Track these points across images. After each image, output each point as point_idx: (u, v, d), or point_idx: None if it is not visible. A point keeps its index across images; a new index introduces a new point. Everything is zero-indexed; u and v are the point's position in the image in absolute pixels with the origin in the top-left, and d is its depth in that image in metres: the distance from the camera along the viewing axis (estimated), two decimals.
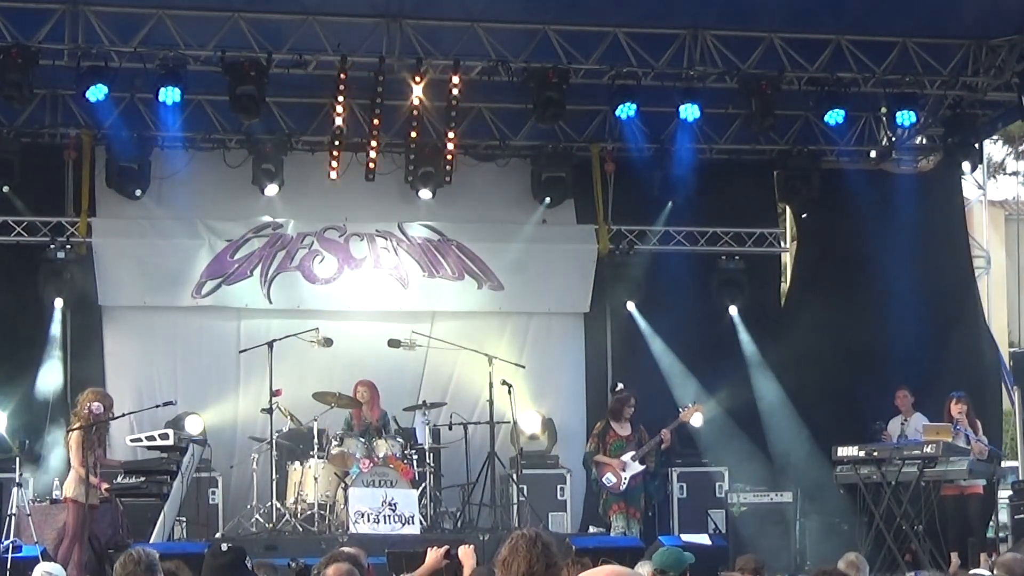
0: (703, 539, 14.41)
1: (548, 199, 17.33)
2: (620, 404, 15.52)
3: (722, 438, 17.00)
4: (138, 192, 16.46)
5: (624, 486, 15.17)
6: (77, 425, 13.16)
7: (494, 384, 15.53)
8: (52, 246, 16.12)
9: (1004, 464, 17.57)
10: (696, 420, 15.85)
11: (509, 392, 15.56)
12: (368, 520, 14.13)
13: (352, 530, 13.97)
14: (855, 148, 18.21)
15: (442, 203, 17.16)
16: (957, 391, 15.23)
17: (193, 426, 15.73)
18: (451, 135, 16.41)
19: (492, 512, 15.52)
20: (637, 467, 15.22)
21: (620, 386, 16.25)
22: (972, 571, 11.10)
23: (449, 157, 16.68)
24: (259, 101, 15.20)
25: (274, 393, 15.11)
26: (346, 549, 9.00)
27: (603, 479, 15.26)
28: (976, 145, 17.60)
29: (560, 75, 15.54)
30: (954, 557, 14.48)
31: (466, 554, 8.20)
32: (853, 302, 17.60)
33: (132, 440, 14.49)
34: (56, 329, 16.10)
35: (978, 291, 18.16)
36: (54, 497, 13.82)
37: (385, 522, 14.17)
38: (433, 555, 8.44)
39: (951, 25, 15.93)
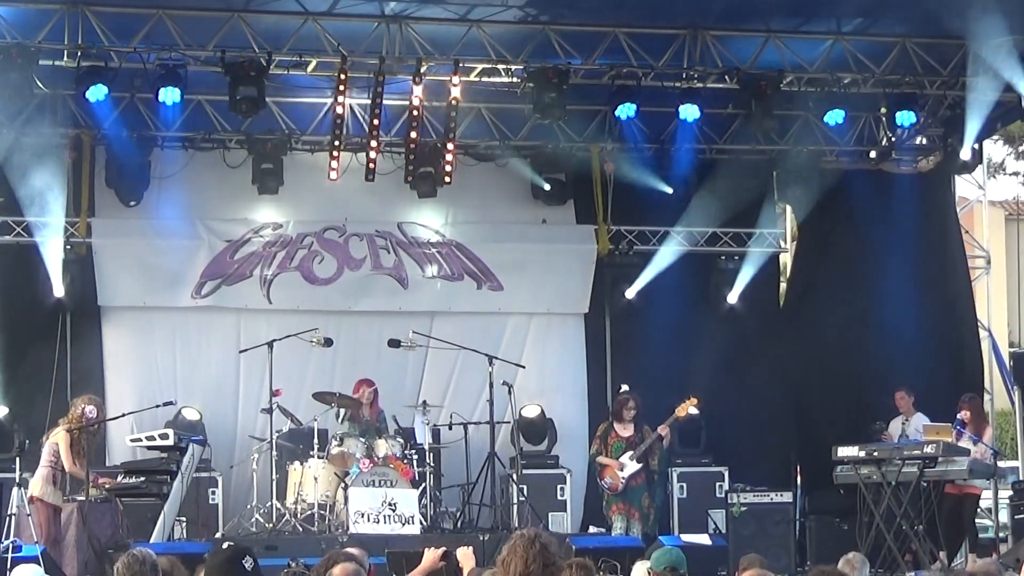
0: (703, 539, 14.43)
1: (547, 186, 17.33)
2: (619, 405, 15.60)
3: (722, 438, 17.02)
4: (132, 203, 16.47)
5: (622, 487, 15.19)
6: (65, 426, 13.22)
7: (494, 384, 15.54)
8: None
9: (1004, 464, 17.59)
10: (692, 410, 15.91)
11: (509, 392, 15.58)
12: (368, 520, 14.14)
13: (352, 530, 13.99)
14: (855, 148, 18.21)
15: (442, 203, 17.16)
16: (968, 393, 15.27)
17: (190, 415, 15.79)
18: (451, 135, 16.41)
19: (492, 512, 15.54)
20: (635, 466, 15.24)
21: (624, 387, 16.28)
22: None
23: (449, 157, 16.67)
24: (259, 101, 15.20)
25: (274, 393, 15.13)
26: (347, 549, 8.99)
27: (602, 481, 15.32)
28: (976, 145, 17.60)
29: (560, 75, 15.54)
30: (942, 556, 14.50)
31: (465, 555, 8.18)
32: (852, 302, 17.62)
33: (132, 440, 14.53)
34: (56, 329, 16.10)
35: (972, 291, 18.15)
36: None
37: (385, 522, 14.19)
38: (430, 556, 8.42)
39: (951, 26, 15.92)
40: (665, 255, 17.40)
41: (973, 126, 16.74)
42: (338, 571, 7.56)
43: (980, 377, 17.81)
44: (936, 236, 17.91)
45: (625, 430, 15.44)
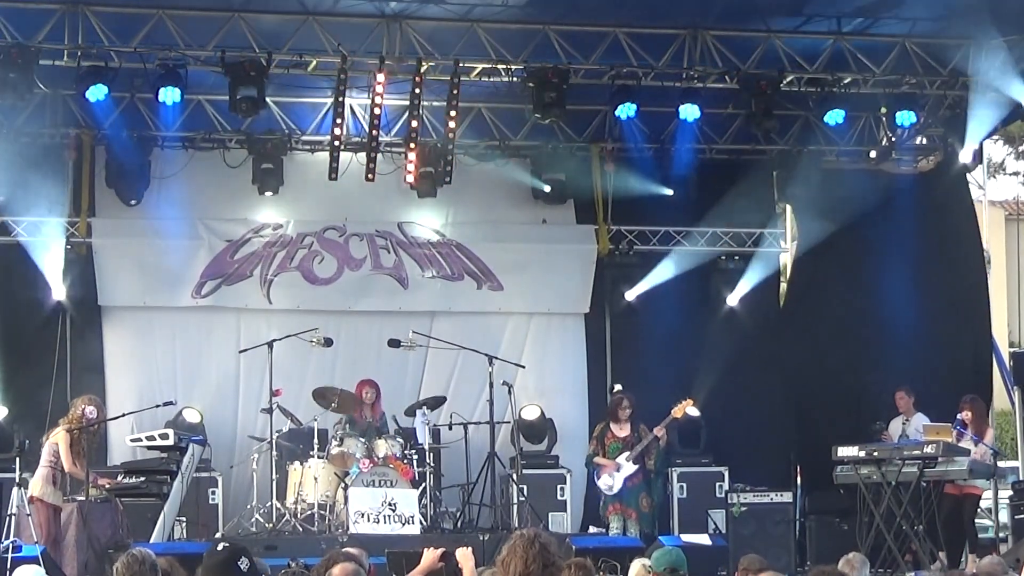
0: (703, 539, 14.43)
1: (547, 188, 17.32)
2: (614, 406, 15.58)
3: (722, 438, 17.02)
4: (133, 202, 16.47)
5: (618, 487, 15.16)
6: (65, 426, 13.23)
7: (494, 384, 15.54)
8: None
9: (1004, 464, 17.56)
10: (691, 411, 15.92)
11: (509, 392, 15.58)
12: (368, 520, 14.14)
13: (352, 530, 13.99)
14: (855, 148, 18.20)
15: (442, 203, 17.16)
16: (969, 394, 15.25)
17: (191, 416, 15.80)
18: (451, 135, 16.41)
19: (492, 512, 15.54)
20: (631, 467, 15.21)
21: (617, 387, 16.29)
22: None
23: (449, 157, 16.67)
24: (259, 101, 15.20)
25: (274, 393, 15.13)
26: (347, 549, 8.99)
27: (599, 481, 15.30)
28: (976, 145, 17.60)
29: (560, 75, 15.53)
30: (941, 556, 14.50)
31: (465, 556, 8.15)
32: (852, 302, 17.62)
33: (132, 440, 14.54)
34: (56, 329, 16.10)
35: (986, 291, 18.16)
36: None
37: (385, 522, 14.19)
38: (429, 557, 8.40)
39: (951, 26, 15.93)
40: (666, 269, 17.45)
41: (973, 126, 16.76)
42: (337, 571, 7.56)
43: (988, 378, 17.78)
44: (937, 236, 17.89)
45: (621, 430, 15.42)
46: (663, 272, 17.47)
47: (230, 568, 6.73)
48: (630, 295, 17.52)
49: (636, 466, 15.22)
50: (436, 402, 16.11)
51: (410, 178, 16.70)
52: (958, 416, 14.92)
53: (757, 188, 18.04)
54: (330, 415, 15.43)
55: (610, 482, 15.21)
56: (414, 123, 16.17)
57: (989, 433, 15.31)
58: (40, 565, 11.17)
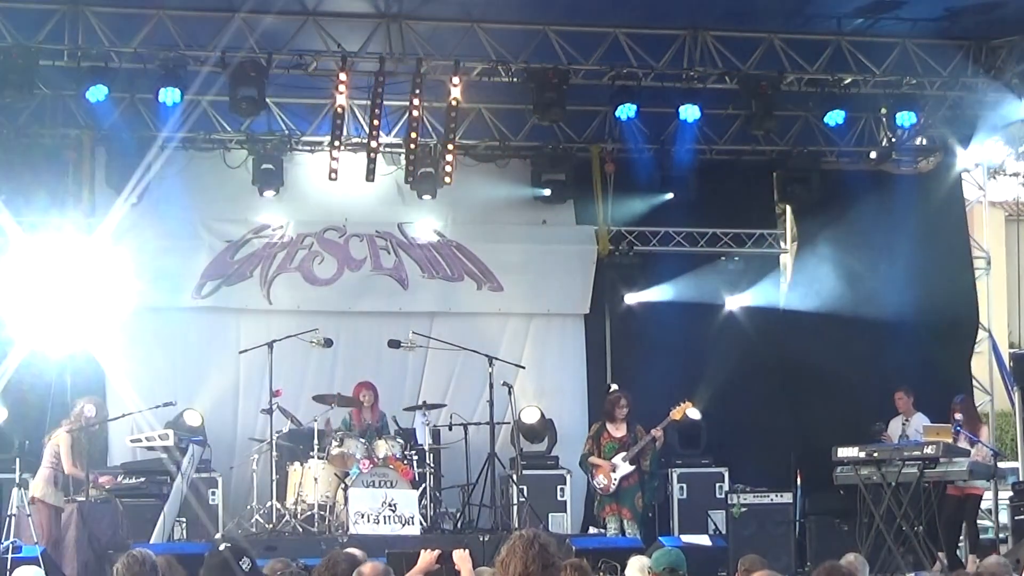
0: (703, 539, 14.43)
1: (548, 191, 17.32)
2: (610, 405, 15.44)
3: (722, 438, 17.01)
4: (132, 203, 16.45)
5: (614, 487, 15.12)
6: (67, 427, 13.24)
7: (494, 384, 15.54)
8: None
9: (1004, 464, 17.57)
10: (692, 413, 15.90)
11: (509, 392, 15.57)
12: (368, 521, 14.14)
13: (352, 531, 13.99)
14: (855, 149, 18.22)
15: (442, 204, 17.16)
16: (959, 395, 15.24)
17: (192, 419, 15.78)
18: (451, 136, 16.40)
19: (492, 513, 15.53)
20: (627, 468, 15.13)
21: (613, 387, 16.27)
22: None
23: (449, 157, 16.68)
24: (259, 102, 15.21)
25: (274, 393, 15.13)
26: (347, 550, 8.98)
27: (594, 481, 15.24)
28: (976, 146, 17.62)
29: (560, 75, 15.54)
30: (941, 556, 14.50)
31: (462, 558, 8.14)
32: (852, 303, 17.60)
33: (132, 440, 14.55)
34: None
35: (976, 293, 18.16)
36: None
37: (385, 523, 14.19)
38: (426, 558, 8.40)
39: (951, 26, 15.94)
40: (667, 270, 17.44)
41: (973, 127, 16.77)
42: (368, 570, 7.52)
43: (967, 374, 17.77)
44: (937, 236, 17.89)
45: (618, 431, 15.33)
46: (663, 273, 17.46)
47: (231, 568, 6.74)
48: (630, 298, 17.51)
49: (632, 467, 15.17)
50: (435, 407, 16.10)
51: (409, 178, 16.71)
52: (955, 416, 14.94)
53: (757, 188, 18.06)
54: (330, 416, 15.42)
55: (605, 482, 15.17)
56: (414, 123, 16.17)
57: (984, 429, 15.33)
58: (40, 566, 11.19)
